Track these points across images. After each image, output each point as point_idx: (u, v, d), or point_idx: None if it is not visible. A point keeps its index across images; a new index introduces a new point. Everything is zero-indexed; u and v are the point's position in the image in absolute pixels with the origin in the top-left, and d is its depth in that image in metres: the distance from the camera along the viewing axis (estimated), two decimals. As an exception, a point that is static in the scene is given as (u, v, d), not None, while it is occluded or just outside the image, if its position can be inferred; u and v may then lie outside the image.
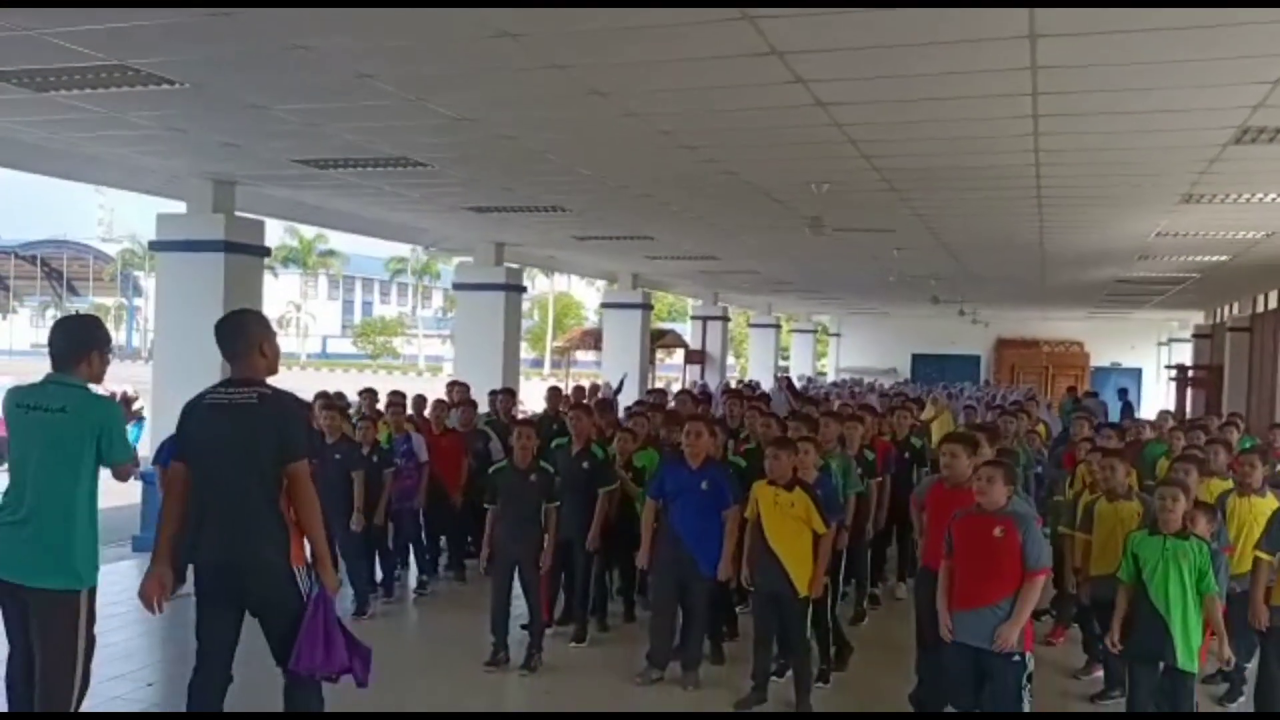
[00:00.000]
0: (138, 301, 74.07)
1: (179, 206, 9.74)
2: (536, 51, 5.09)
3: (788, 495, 5.37)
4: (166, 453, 7.71)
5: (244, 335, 3.92)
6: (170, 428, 8.14)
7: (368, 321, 74.80)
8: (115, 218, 74.47)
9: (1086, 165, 7.72)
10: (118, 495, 12.36)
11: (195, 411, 3.92)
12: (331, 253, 69.17)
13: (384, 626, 7.28)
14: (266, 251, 10.01)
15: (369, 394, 9.02)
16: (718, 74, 5.42)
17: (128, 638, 6.88)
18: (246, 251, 9.47)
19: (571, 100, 6.02)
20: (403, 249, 62.40)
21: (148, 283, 71.18)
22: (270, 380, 3.95)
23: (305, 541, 3.85)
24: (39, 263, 60.53)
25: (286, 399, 3.90)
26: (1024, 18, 4.44)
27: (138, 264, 69.36)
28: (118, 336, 72.49)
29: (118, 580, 8.53)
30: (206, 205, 9.29)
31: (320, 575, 3.85)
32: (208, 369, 8.98)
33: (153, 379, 9.58)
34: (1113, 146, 7.05)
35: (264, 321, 4.10)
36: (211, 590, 3.83)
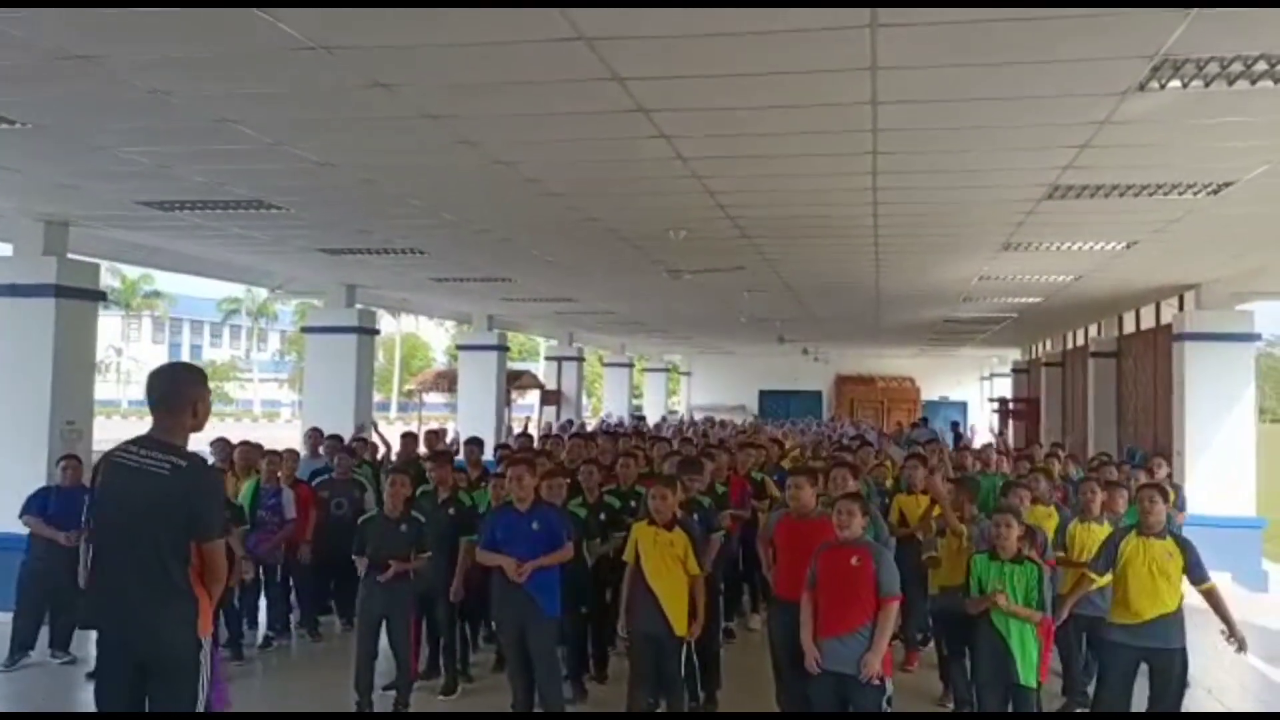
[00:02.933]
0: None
1: (3, 249, 9.12)
2: (409, 102, 5.13)
3: (668, 535, 5.48)
4: (38, 504, 7.25)
5: (181, 393, 3.65)
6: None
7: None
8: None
9: (918, 217, 8.34)
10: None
11: (101, 470, 3.67)
12: (157, 294, 65.27)
13: (236, 690, 6.93)
14: (102, 296, 9.46)
15: (223, 444, 8.62)
16: (587, 128, 5.61)
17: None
18: (80, 296, 8.93)
19: (440, 148, 6.06)
20: (236, 289, 59.74)
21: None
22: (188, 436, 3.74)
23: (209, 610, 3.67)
24: None
25: (202, 471, 3.68)
26: (867, 83, 4.84)
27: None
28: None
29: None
30: (36, 247, 8.70)
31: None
32: (36, 422, 8.53)
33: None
34: (942, 201, 7.67)
35: (202, 378, 3.83)
36: (114, 664, 3.60)
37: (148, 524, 3.50)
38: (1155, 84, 4.73)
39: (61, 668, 7.18)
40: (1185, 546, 5.39)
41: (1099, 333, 17.81)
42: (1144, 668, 5.40)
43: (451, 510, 6.66)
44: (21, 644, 7.24)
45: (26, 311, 8.62)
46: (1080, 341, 19.56)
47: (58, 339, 8.63)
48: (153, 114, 5.37)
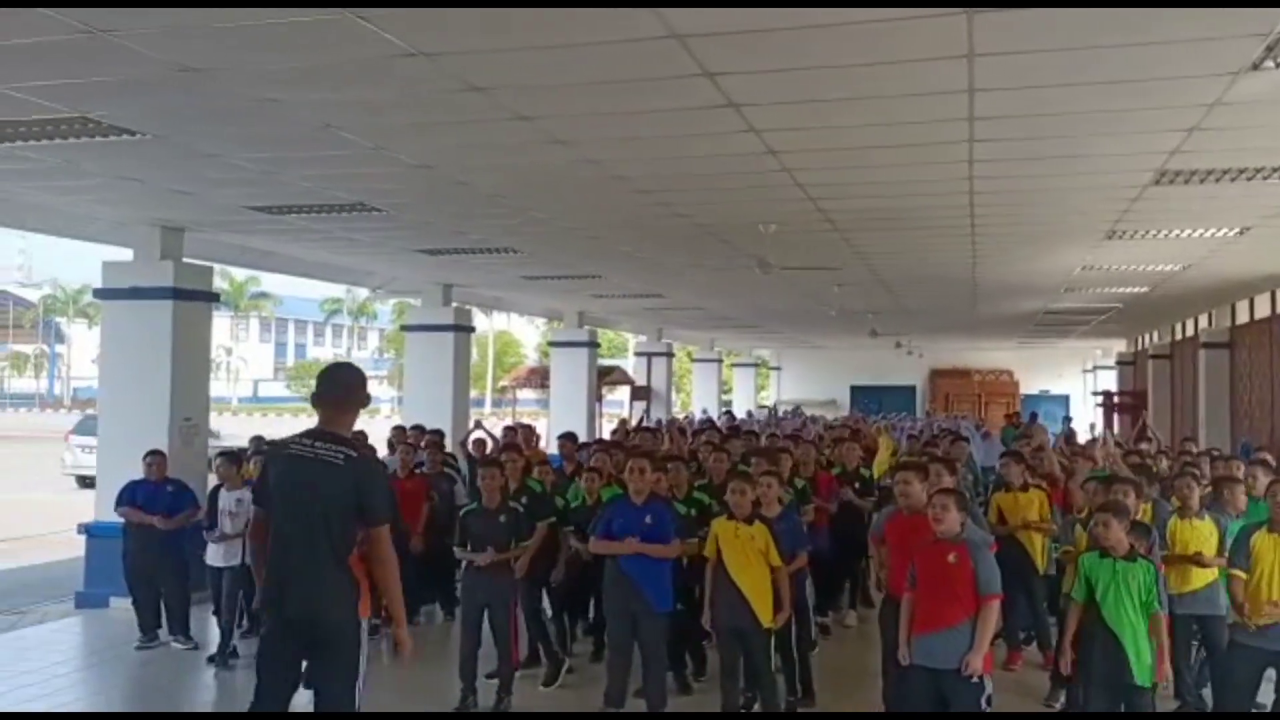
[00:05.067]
0: (59, 348, 71.71)
1: (122, 253, 9.61)
2: (503, 103, 5.26)
3: (748, 529, 5.48)
4: (127, 496, 7.69)
5: (354, 391, 4.03)
6: (118, 479, 8.06)
7: (302, 363, 73.46)
8: (34, 262, 72.47)
9: (1017, 206, 8.14)
10: (59, 549, 12.00)
11: (277, 461, 4.01)
12: (264, 295, 68.02)
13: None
14: (215, 297, 9.92)
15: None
16: (677, 125, 5.65)
17: (77, 697, 6.71)
18: (195, 298, 9.37)
19: (532, 148, 6.18)
20: (338, 290, 61.77)
21: (71, 329, 69.15)
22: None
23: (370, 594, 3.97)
24: (-46, 310, 58.29)
25: (371, 463, 4.05)
26: (963, 71, 4.75)
27: (60, 309, 67.29)
28: (38, 384, 70.16)
29: (64, 638, 8.31)
30: (154, 252, 9.16)
31: (396, 634, 4.04)
32: (156, 418, 8.99)
33: (99, 430, 9.39)
34: (1041, 189, 7.47)
35: (365, 378, 4.21)
36: (281, 641, 3.93)
37: (325, 509, 3.82)
38: (1270, 62, 4.52)
39: (186, 654, 7.49)
40: None
41: (1210, 323, 17.03)
42: (1267, 672, 5.17)
43: (523, 499, 6.77)
44: (148, 627, 7.69)
45: (146, 313, 9.08)
46: (1190, 332, 18.73)
47: (175, 339, 9.06)
48: (263, 122, 5.62)
